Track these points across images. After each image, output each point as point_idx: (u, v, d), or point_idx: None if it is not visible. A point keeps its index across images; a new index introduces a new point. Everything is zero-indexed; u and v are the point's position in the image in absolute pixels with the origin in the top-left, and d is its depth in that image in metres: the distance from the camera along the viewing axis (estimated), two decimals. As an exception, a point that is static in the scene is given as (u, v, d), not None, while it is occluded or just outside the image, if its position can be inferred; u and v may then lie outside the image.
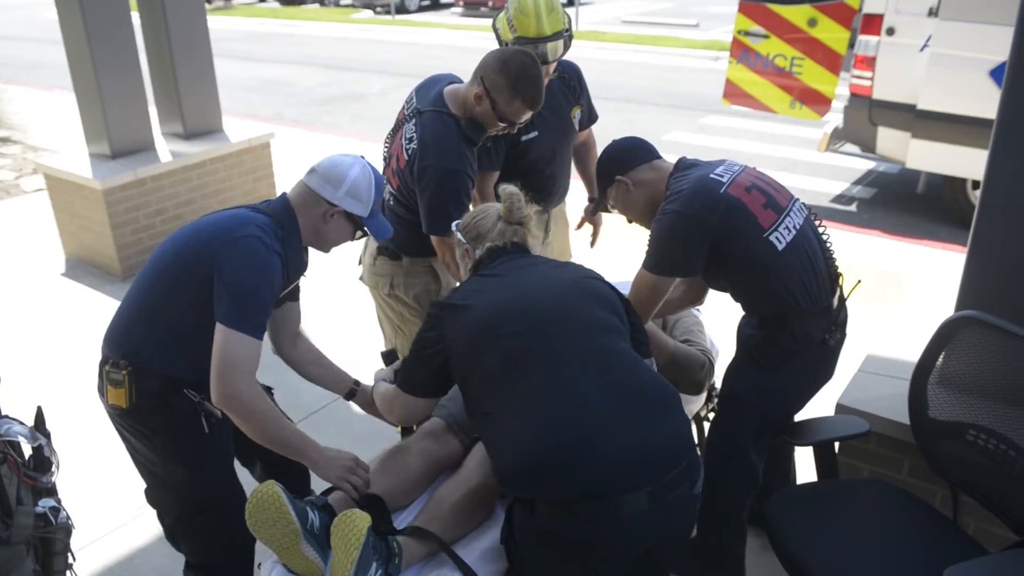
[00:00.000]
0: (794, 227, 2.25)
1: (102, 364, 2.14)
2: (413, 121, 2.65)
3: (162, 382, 2.10)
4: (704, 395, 2.91)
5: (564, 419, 1.72)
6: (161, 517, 2.36)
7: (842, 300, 2.37)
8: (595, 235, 3.32)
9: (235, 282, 2.00)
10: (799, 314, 2.25)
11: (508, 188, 2.13)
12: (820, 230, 2.38)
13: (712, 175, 2.24)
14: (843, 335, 2.38)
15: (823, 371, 2.42)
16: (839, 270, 2.39)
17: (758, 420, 2.38)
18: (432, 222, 2.59)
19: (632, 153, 2.40)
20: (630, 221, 2.49)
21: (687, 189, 2.23)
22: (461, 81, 2.76)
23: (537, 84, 2.50)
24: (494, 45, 2.87)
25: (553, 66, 2.83)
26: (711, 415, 3.10)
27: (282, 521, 1.89)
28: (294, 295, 2.40)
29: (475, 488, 2.06)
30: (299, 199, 2.17)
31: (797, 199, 2.36)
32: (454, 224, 2.24)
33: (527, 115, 2.57)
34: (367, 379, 2.55)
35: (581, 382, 1.76)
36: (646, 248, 2.31)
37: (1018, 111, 2.16)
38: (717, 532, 2.52)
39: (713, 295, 2.66)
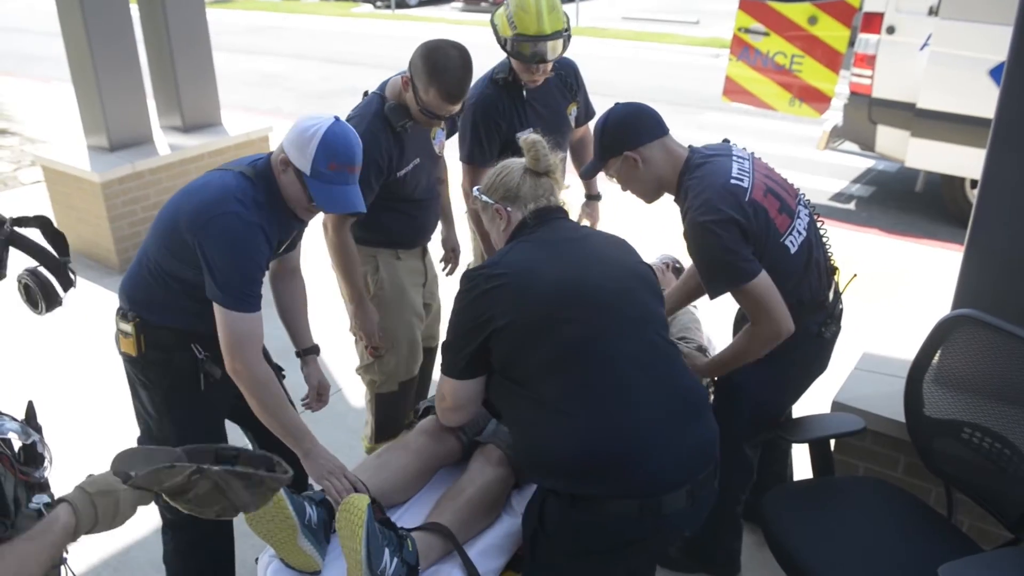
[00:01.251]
0: (803, 229, 2.24)
1: (116, 313, 2.21)
2: None
3: (170, 334, 2.17)
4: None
5: (625, 420, 1.73)
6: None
7: (837, 294, 2.37)
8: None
9: (218, 266, 2.01)
10: (798, 309, 2.24)
11: (530, 136, 2.02)
12: (819, 225, 2.37)
13: (733, 180, 2.13)
14: (838, 328, 2.38)
15: (818, 363, 2.42)
16: (835, 264, 2.39)
17: (753, 411, 2.38)
18: None
19: (644, 127, 2.26)
20: (624, 190, 2.38)
21: (711, 196, 2.10)
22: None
23: (456, 77, 2.43)
24: (493, 40, 2.87)
25: (551, 64, 2.83)
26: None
27: (280, 516, 1.89)
28: (292, 246, 2.40)
29: (488, 485, 2.07)
30: (275, 155, 2.12)
31: (800, 195, 2.34)
32: (475, 188, 2.14)
33: (449, 108, 2.49)
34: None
35: (638, 381, 1.76)
36: (702, 276, 2.18)
37: (1016, 111, 2.16)
38: (712, 527, 2.52)
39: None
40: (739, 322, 2.44)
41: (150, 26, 5.34)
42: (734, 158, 2.23)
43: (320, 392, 2.61)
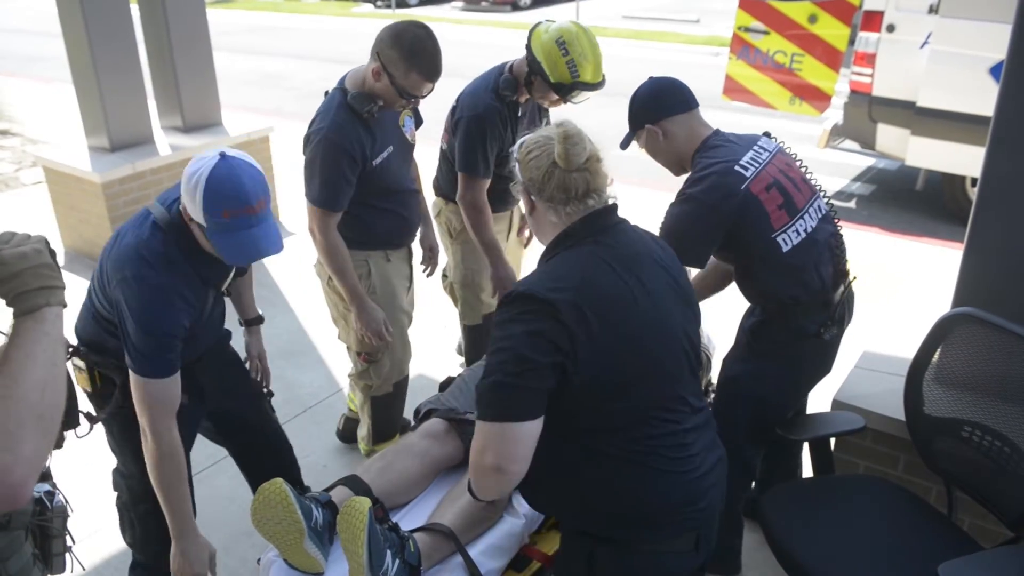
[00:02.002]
0: (805, 230, 2.23)
1: (66, 349, 2.14)
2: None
3: (120, 371, 2.11)
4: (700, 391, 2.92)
5: (687, 465, 1.68)
6: (116, 500, 2.37)
7: (844, 296, 2.36)
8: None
9: (128, 331, 1.94)
10: (796, 308, 2.26)
11: (565, 127, 1.69)
12: (836, 227, 2.36)
13: (737, 167, 2.17)
14: (840, 330, 2.37)
15: (818, 364, 2.42)
16: (847, 267, 2.38)
17: (752, 407, 2.38)
18: (307, 189, 2.64)
19: (668, 102, 2.31)
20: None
21: (710, 177, 2.17)
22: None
23: (431, 55, 2.48)
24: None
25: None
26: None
27: (288, 519, 1.90)
28: (242, 272, 2.40)
29: None
30: (180, 204, 1.98)
31: (817, 197, 2.33)
32: (515, 147, 1.79)
33: (427, 87, 2.54)
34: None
35: (690, 421, 1.71)
36: (661, 232, 2.24)
37: (1015, 109, 2.16)
38: None
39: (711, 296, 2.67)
40: (744, 315, 2.45)
41: (150, 26, 5.35)
42: (753, 148, 2.26)
43: (260, 360, 2.67)
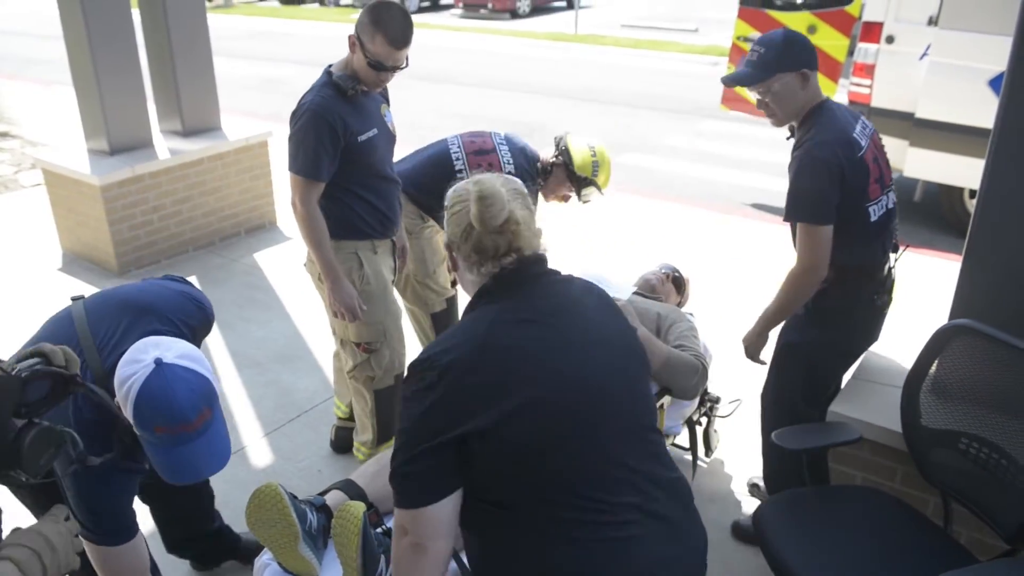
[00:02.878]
0: (886, 205, 2.45)
1: None
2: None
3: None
4: (697, 400, 2.92)
5: (630, 548, 1.45)
6: None
7: (890, 269, 2.54)
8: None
9: (75, 505, 1.81)
10: (858, 275, 2.45)
11: (480, 185, 1.55)
12: (895, 206, 2.54)
13: (855, 135, 2.34)
14: (890, 298, 2.56)
15: (869, 331, 2.60)
16: (898, 243, 2.59)
17: (805, 370, 2.56)
18: (290, 161, 2.70)
19: (813, 56, 2.40)
20: (761, 108, 2.45)
21: (832, 138, 2.31)
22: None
23: (398, 22, 2.60)
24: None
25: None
26: (703, 419, 3.11)
27: (283, 522, 1.90)
28: None
29: None
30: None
31: (892, 184, 2.51)
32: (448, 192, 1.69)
33: (395, 55, 2.63)
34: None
35: (638, 488, 1.49)
36: (788, 197, 2.36)
37: (1016, 122, 2.17)
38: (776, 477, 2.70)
39: (708, 304, 2.67)
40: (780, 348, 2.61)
41: (151, 30, 5.36)
42: (860, 121, 2.44)
43: None
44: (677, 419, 2.90)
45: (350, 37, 2.66)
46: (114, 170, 4.96)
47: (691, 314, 3.13)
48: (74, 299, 1.97)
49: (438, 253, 3.38)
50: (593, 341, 1.54)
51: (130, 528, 1.86)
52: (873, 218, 2.39)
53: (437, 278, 3.42)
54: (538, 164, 3.38)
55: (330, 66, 2.78)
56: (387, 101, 2.98)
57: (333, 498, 2.10)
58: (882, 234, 2.45)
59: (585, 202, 3.42)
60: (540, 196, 3.46)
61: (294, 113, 2.71)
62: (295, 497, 1.98)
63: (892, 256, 2.53)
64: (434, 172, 3.18)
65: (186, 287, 2.16)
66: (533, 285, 1.58)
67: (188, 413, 1.65)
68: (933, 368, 2.15)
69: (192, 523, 2.42)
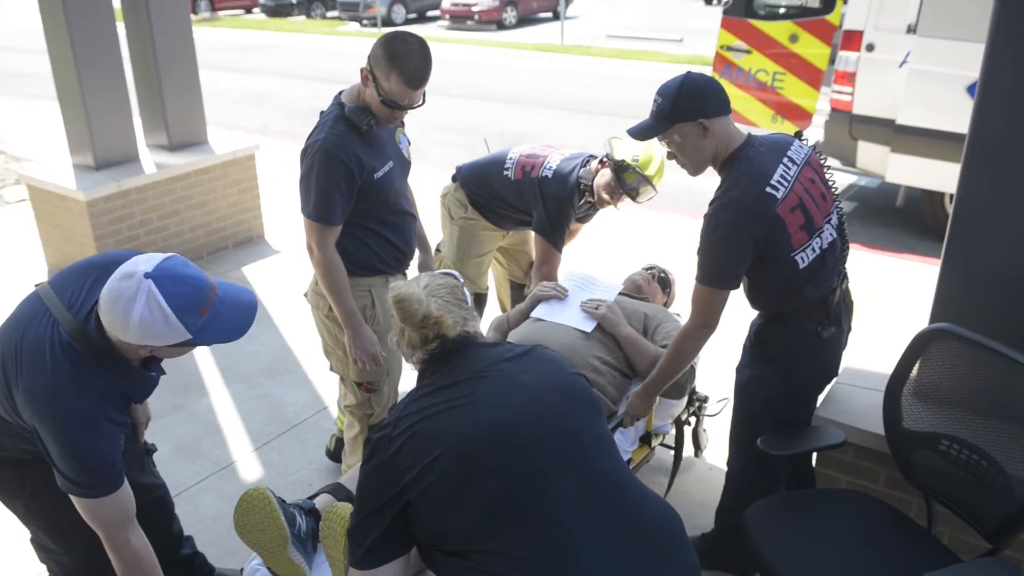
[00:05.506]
0: (820, 247, 2.29)
1: None
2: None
3: (12, 463, 2.02)
4: (685, 399, 2.94)
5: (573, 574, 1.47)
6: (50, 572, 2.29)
7: (840, 297, 2.40)
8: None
9: (63, 462, 1.81)
10: (793, 311, 2.36)
11: (396, 291, 1.74)
12: (844, 234, 2.40)
13: (769, 187, 2.20)
14: (838, 330, 2.40)
15: (821, 364, 2.47)
16: (846, 271, 2.43)
17: (765, 409, 2.47)
18: (303, 203, 2.59)
19: (720, 100, 2.28)
20: (672, 159, 2.38)
21: (742, 199, 2.20)
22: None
23: (415, 60, 2.43)
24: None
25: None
26: (692, 419, 3.13)
27: (272, 526, 1.90)
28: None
29: None
30: (115, 340, 1.84)
31: (833, 210, 2.37)
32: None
33: (411, 94, 2.47)
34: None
35: (587, 523, 1.51)
36: (698, 257, 2.28)
37: (989, 128, 2.21)
38: (731, 527, 2.56)
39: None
40: (752, 322, 2.51)
41: (136, 44, 5.35)
42: (784, 161, 2.27)
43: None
44: (666, 418, 2.91)
45: (363, 70, 2.49)
46: (100, 185, 4.95)
47: (678, 314, 3.16)
48: (37, 285, 1.99)
49: (472, 245, 3.47)
50: (505, 391, 1.64)
51: (121, 473, 1.88)
52: (803, 265, 2.25)
53: (466, 269, 3.47)
54: (589, 169, 3.26)
55: (340, 94, 2.63)
56: (402, 123, 2.82)
57: (322, 501, 2.11)
58: (817, 275, 2.30)
59: (641, 201, 3.23)
60: (597, 204, 3.35)
61: (304, 152, 2.58)
62: (284, 501, 1.98)
63: (837, 290, 2.38)
64: (484, 164, 3.47)
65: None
66: (459, 358, 1.70)
67: (205, 282, 1.83)
68: (914, 371, 2.17)
69: (158, 551, 2.36)
